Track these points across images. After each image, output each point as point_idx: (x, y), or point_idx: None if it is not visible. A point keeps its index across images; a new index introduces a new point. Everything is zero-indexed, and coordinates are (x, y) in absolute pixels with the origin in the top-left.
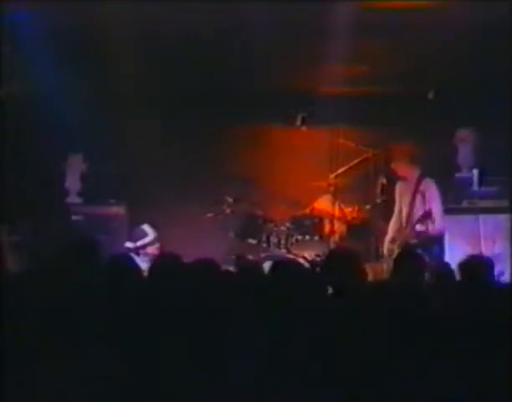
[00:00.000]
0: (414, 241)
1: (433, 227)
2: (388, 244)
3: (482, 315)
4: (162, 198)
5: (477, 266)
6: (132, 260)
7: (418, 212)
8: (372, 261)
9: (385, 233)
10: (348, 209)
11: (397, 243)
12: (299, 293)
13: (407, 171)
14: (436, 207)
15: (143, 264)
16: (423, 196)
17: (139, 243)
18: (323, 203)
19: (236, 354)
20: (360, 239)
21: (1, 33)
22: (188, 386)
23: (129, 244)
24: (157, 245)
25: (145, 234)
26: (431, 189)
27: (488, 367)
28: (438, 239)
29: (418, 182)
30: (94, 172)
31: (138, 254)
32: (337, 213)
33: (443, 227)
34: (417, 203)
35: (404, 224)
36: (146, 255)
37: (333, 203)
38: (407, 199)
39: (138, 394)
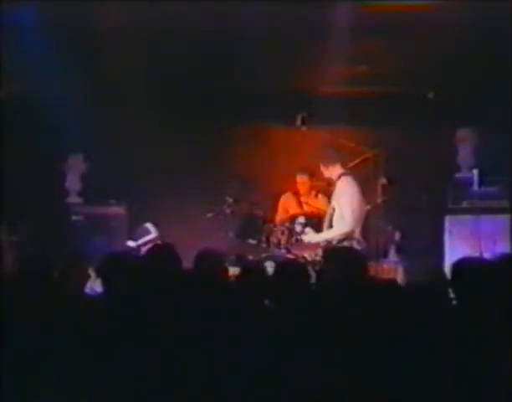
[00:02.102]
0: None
1: (342, 227)
2: None
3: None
4: (162, 198)
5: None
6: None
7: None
8: (373, 261)
9: None
10: None
11: None
12: None
13: (332, 171)
14: (344, 206)
15: None
16: (336, 195)
17: (141, 240)
18: (322, 203)
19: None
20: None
21: (1, 33)
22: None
23: (131, 243)
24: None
25: (148, 232)
26: (342, 188)
27: (488, 368)
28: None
29: (337, 181)
30: (94, 172)
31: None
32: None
33: (352, 227)
34: (333, 203)
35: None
36: None
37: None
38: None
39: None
